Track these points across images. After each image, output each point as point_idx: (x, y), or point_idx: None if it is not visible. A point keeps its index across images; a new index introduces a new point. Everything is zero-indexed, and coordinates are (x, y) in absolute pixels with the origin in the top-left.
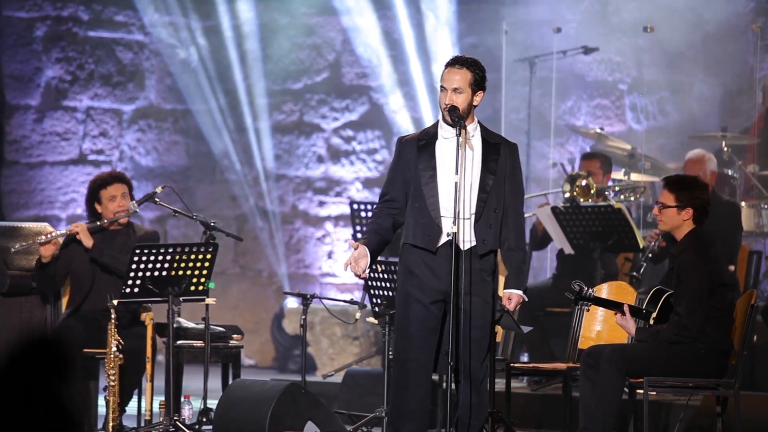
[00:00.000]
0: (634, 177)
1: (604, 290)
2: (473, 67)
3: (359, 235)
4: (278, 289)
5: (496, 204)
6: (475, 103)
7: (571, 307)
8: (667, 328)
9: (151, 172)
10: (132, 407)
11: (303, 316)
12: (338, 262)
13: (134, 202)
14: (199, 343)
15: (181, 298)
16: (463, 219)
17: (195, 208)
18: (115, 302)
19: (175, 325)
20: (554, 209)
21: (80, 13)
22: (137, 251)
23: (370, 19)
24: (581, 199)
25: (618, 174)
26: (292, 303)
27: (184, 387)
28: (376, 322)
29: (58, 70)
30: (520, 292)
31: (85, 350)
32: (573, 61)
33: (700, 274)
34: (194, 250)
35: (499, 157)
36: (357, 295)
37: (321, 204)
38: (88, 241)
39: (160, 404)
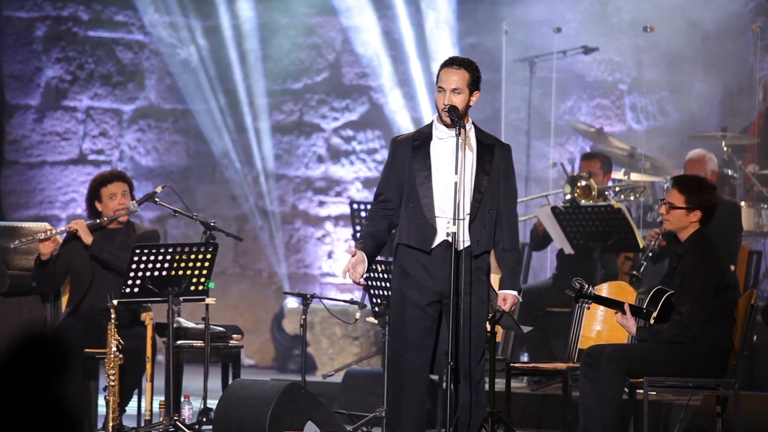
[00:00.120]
0: (634, 177)
1: (604, 290)
2: (470, 68)
3: (359, 235)
4: (278, 289)
5: (491, 205)
6: (471, 104)
7: (572, 307)
8: (669, 328)
9: (151, 172)
10: (132, 407)
11: (303, 316)
12: (338, 262)
13: (134, 201)
14: (199, 343)
15: (181, 298)
16: (458, 219)
17: (195, 208)
18: (115, 302)
19: (175, 325)
20: (554, 209)
21: (80, 13)
22: (137, 251)
23: (370, 19)
24: (582, 200)
25: (618, 174)
26: (292, 303)
27: (184, 387)
28: (376, 322)
29: (58, 70)
30: (515, 293)
31: (85, 350)
32: (573, 61)
33: (704, 275)
34: (194, 250)
35: (494, 158)
36: (357, 295)
37: (321, 204)
38: (87, 238)
39: (160, 404)
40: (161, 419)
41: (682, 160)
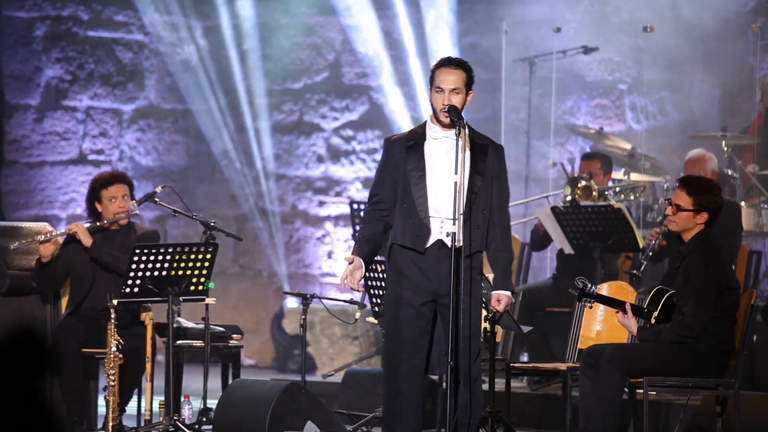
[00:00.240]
0: (634, 177)
1: (604, 290)
2: (466, 68)
3: (355, 240)
4: (278, 288)
5: (484, 205)
6: (466, 103)
7: (572, 306)
8: (670, 327)
9: (151, 172)
10: (132, 407)
11: (303, 316)
12: (338, 262)
13: (134, 201)
14: (199, 343)
15: (181, 298)
16: (452, 219)
17: (195, 208)
18: (114, 302)
19: (175, 325)
20: (554, 209)
21: (80, 13)
22: (137, 251)
23: (370, 18)
24: (582, 200)
25: (618, 174)
26: (291, 303)
27: (184, 387)
28: (375, 321)
29: (58, 70)
30: (508, 293)
31: (85, 350)
32: (573, 60)
33: (708, 276)
34: (194, 250)
35: (487, 158)
36: (357, 295)
37: (321, 204)
38: (87, 240)
39: (159, 404)
40: (161, 419)
41: (682, 160)
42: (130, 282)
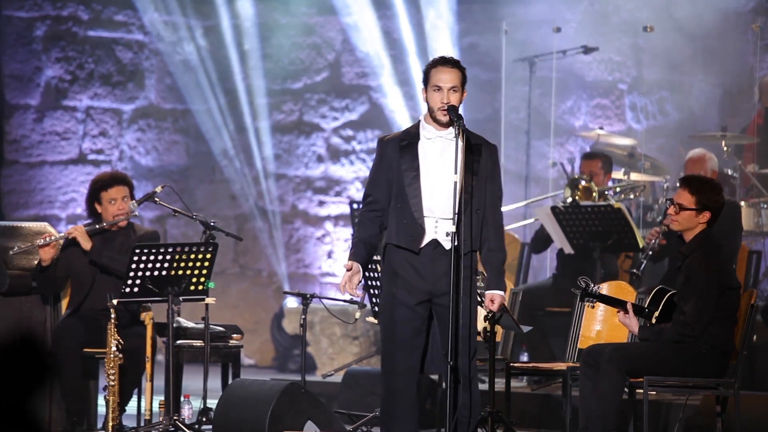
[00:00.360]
0: (634, 177)
1: (604, 290)
2: (461, 67)
3: (351, 243)
4: (278, 288)
5: (478, 205)
6: (460, 103)
7: (572, 306)
8: (671, 327)
9: (151, 172)
10: (132, 407)
11: (303, 316)
12: (338, 262)
13: (134, 201)
14: (198, 343)
15: (180, 298)
16: (452, 219)
17: (195, 208)
18: (114, 302)
19: (174, 325)
20: (554, 209)
21: (80, 13)
22: (137, 251)
23: (370, 18)
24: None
25: (618, 174)
26: (291, 303)
27: (184, 387)
28: (375, 321)
29: (58, 70)
30: (502, 293)
31: (85, 350)
32: (573, 60)
33: (709, 276)
34: (194, 249)
35: (481, 158)
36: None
37: (321, 204)
38: (86, 244)
39: (159, 404)
40: (161, 419)
41: (682, 159)
42: (130, 282)
